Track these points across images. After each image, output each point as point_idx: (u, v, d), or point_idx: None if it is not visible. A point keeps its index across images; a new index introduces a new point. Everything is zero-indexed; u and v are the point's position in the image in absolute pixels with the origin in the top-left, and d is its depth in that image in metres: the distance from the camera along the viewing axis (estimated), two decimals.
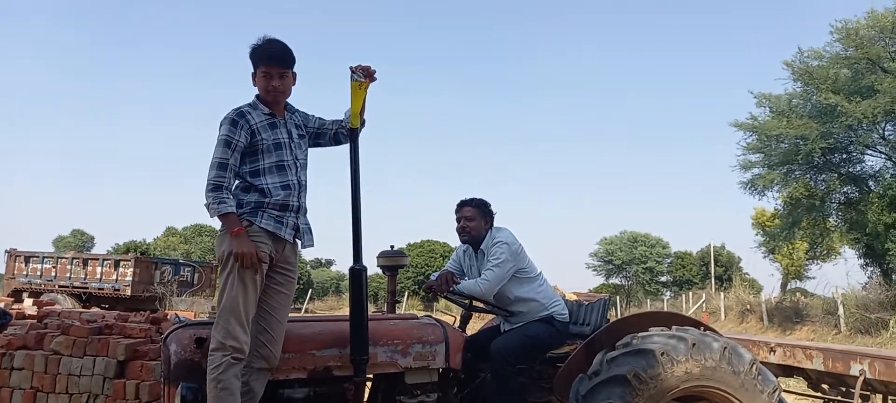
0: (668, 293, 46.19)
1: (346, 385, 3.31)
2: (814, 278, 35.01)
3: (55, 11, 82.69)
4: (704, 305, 29.61)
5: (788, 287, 35.62)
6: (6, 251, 20.70)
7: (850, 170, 21.62)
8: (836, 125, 19.21)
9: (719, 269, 42.99)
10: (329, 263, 62.87)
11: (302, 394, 3.22)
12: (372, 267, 4.53)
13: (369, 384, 3.63)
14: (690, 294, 35.70)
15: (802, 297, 26.97)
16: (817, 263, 32.91)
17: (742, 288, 29.66)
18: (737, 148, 23.20)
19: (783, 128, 20.03)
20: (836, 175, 21.33)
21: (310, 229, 3.28)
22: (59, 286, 19.54)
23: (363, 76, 3.22)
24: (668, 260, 49.37)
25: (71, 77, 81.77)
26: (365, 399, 3.61)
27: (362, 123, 3.33)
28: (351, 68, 3.21)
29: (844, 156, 21.50)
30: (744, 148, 22.61)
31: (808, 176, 21.81)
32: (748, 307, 25.34)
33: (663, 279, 50.09)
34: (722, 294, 29.24)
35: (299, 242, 3.24)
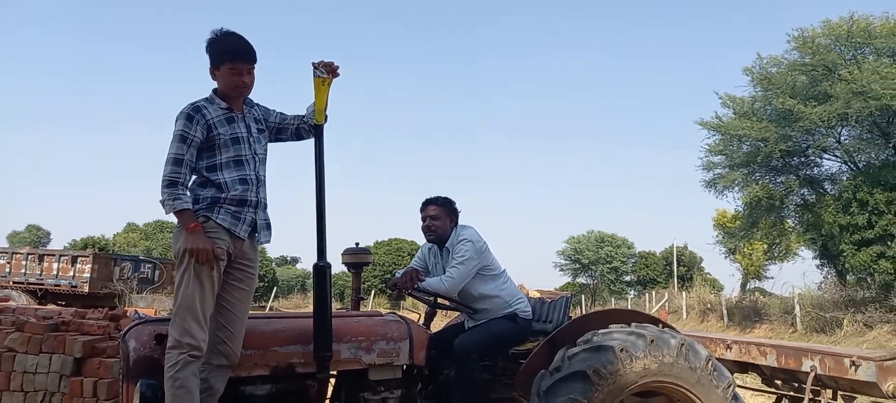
0: (633, 292, 46.92)
1: (309, 381, 3.30)
2: (772, 278, 36.03)
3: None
4: (667, 304, 30.17)
5: (748, 286, 36.54)
6: None
7: (808, 172, 22.27)
8: (795, 129, 19.78)
9: (682, 269, 43.81)
10: (295, 261, 62.24)
11: (264, 391, 3.20)
12: (337, 265, 4.53)
13: (333, 381, 3.62)
14: (654, 293, 36.33)
15: (761, 297, 27.66)
16: (776, 263, 33.80)
17: (703, 287, 30.30)
18: (700, 150, 23.77)
19: (746, 128, 20.53)
20: (794, 177, 21.95)
21: (268, 225, 3.25)
22: (14, 282, 18.98)
23: (326, 72, 3.20)
24: (633, 260, 50.13)
25: (30, 69, 79.40)
26: (328, 395, 3.60)
27: (325, 119, 3.32)
28: (313, 64, 3.19)
29: (802, 159, 22.14)
30: (707, 149, 23.14)
31: (767, 178, 22.40)
32: (709, 306, 25.92)
33: (628, 278, 50.86)
34: (684, 293, 29.82)
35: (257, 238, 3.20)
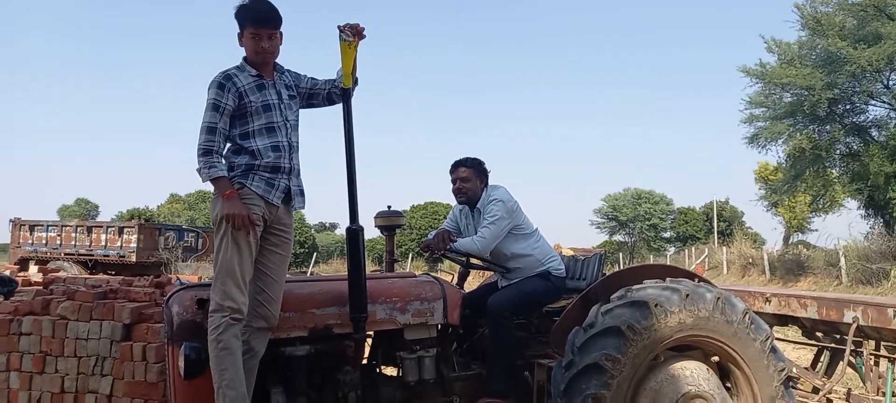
0: (672, 248, 46.41)
1: (346, 342, 3.37)
2: (816, 231, 35.19)
3: None
4: (707, 260, 29.77)
5: (791, 240, 35.75)
6: (11, 220, 20.85)
7: (854, 120, 21.50)
8: (841, 74, 19.05)
9: (722, 224, 43.11)
10: (333, 227, 63.22)
11: (303, 352, 3.27)
12: (372, 229, 4.58)
13: (369, 341, 3.70)
14: (694, 249, 35.87)
15: (805, 250, 27.07)
16: (820, 216, 32.95)
17: (744, 242, 29.76)
18: (741, 101, 23.08)
19: (791, 76, 19.83)
20: (839, 126, 21.22)
21: (302, 192, 3.28)
22: (65, 254, 19.69)
23: (352, 35, 3.18)
24: (672, 217, 49.47)
25: (76, 41, 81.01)
26: (365, 355, 3.69)
27: (355, 82, 3.32)
28: (339, 27, 3.17)
29: (848, 106, 21.37)
30: (747, 101, 22.47)
31: (812, 127, 21.69)
32: (750, 260, 25.48)
33: (667, 235, 50.29)
34: (724, 248, 29.37)
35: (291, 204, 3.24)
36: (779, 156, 23.94)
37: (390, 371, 3.80)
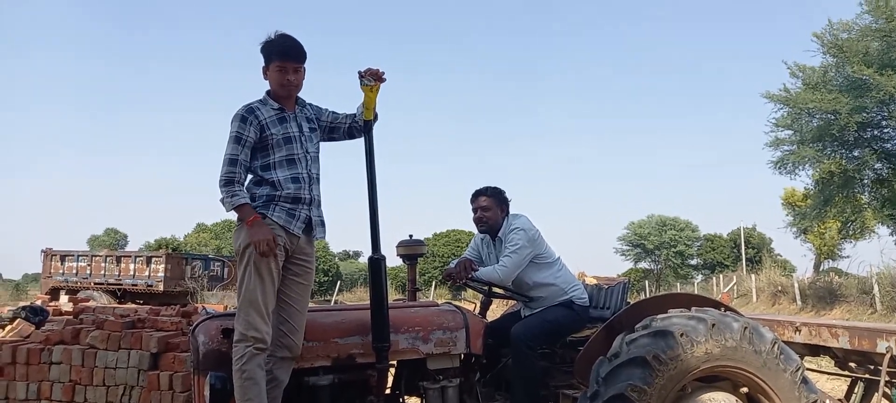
0: (699, 276, 45.70)
1: (369, 371, 3.37)
2: (848, 257, 34.29)
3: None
4: (735, 287, 29.25)
5: (822, 267, 34.96)
6: (42, 251, 21.29)
7: (884, 145, 21.06)
8: (869, 99, 18.74)
9: (751, 251, 42.38)
10: (357, 255, 63.37)
11: (327, 381, 3.28)
12: (394, 258, 4.60)
13: (392, 370, 3.69)
14: (722, 276, 35.28)
15: (836, 277, 26.45)
16: (851, 242, 32.22)
17: (774, 269, 29.20)
18: (766, 125, 22.75)
19: (816, 101, 19.54)
20: (869, 150, 20.80)
21: (322, 222, 3.33)
22: (95, 283, 20.04)
23: (373, 80, 3.27)
24: (698, 243, 48.79)
25: (97, 68, 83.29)
26: (389, 385, 3.68)
27: (375, 117, 3.39)
28: (360, 73, 3.25)
29: (877, 131, 20.96)
30: (773, 124, 22.15)
31: (840, 152, 21.30)
32: (780, 288, 24.95)
33: (694, 262, 49.56)
34: (753, 276, 28.84)
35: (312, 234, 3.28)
36: (807, 182, 23.55)
37: (414, 401, 3.79)
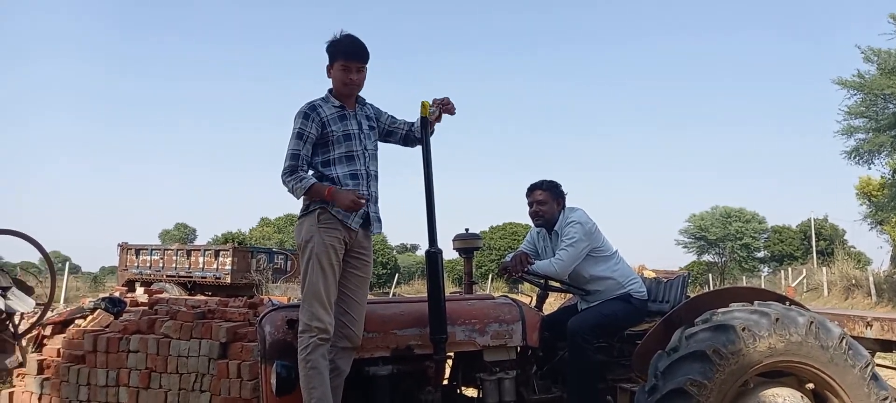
0: (767, 269, 44.08)
1: (427, 363, 3.43)
2: None
3: (142, 13, 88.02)
4: (805, 281, 28.09)
5: None
6: (119, 245, 22.40)
7: None
8: None
9: (822, 243, 40.59)
10: (414, 248, 64.01)
11: (386, 371, 3.36)
12: (451, 251, 4.66)
13: (450, 362, 3.76)
14: (791, 269, 33.94)
15: None
16: None
17: (846, 262, 27.88)
18: (838, 112, 21.73)
19: (893, 86, 18.53)
20: None
21: (379, 218, 3.41)
22: (167, 275, 20.96)
23: (436, 111, 3.34)
24: (766, 235, 47.06)
25: (176, 83, 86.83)
26: (446, 376, 3.75)
27: (432, 114, 3.43)
28: (429, 105, 3.33)
29: None
30: (846, 112, 21.14)
31: None
32: (854, 282, 23.83)
33: (760, 255, 47.85)
34: (825, 269, 27.63)
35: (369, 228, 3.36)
36: (883, 170, 22.37)
37: (471, 392, 3.84)
